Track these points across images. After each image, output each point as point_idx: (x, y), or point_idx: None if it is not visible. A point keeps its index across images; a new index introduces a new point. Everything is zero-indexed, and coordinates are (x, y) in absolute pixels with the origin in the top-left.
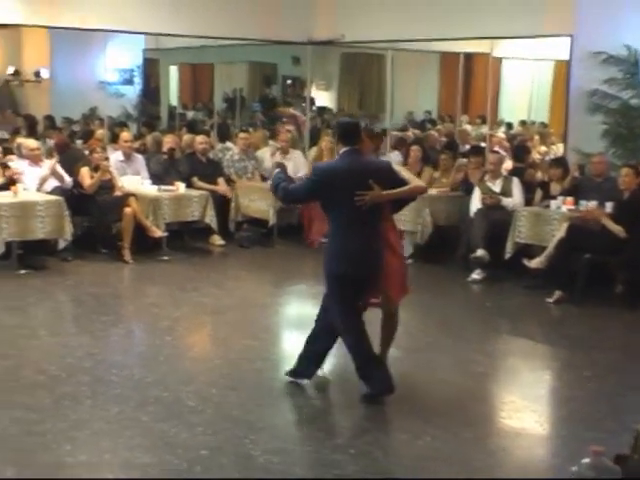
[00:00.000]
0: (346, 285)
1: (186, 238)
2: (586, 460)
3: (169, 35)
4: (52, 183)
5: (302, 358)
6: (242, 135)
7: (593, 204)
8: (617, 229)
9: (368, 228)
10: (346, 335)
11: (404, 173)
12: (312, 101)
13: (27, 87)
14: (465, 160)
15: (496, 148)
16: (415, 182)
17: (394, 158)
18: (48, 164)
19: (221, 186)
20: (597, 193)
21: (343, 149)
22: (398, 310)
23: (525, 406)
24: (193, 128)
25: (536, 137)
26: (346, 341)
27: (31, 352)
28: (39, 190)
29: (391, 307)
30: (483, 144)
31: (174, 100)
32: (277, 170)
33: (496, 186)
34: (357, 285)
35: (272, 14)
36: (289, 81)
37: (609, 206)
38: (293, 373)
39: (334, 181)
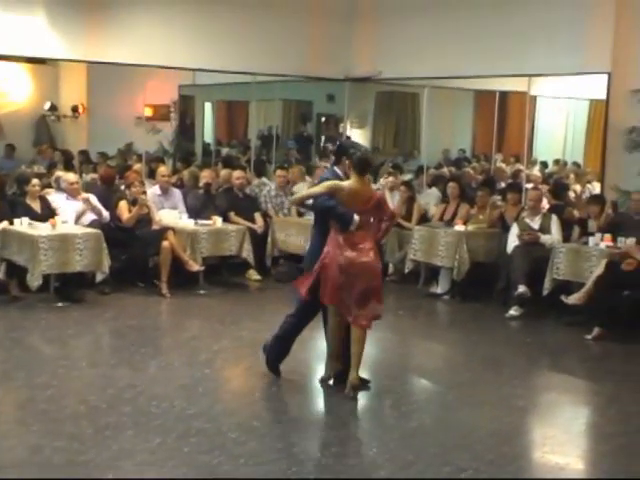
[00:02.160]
0: None
1: (224, 272)
2: None
3: (206, 71)
4: (90, 217)
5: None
6: (280, 172)
7: (631, 241)
8: None
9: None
10: None
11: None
12: (348, 138)
13: (64, 122)
14: (499, 197)
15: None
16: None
17: (433, 194)
18: (83, 198)
19: (258, 221)
20: (636, 230)
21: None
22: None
23: (567, 440)
24: (229, 164)
25: (571, 176)
26: None
27: (72, 383)
28: (77, 224)
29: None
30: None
31: (208, 136)
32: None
33: (535, 223)
34: None
35: (309, 51)
36: (324, 118)
37: None
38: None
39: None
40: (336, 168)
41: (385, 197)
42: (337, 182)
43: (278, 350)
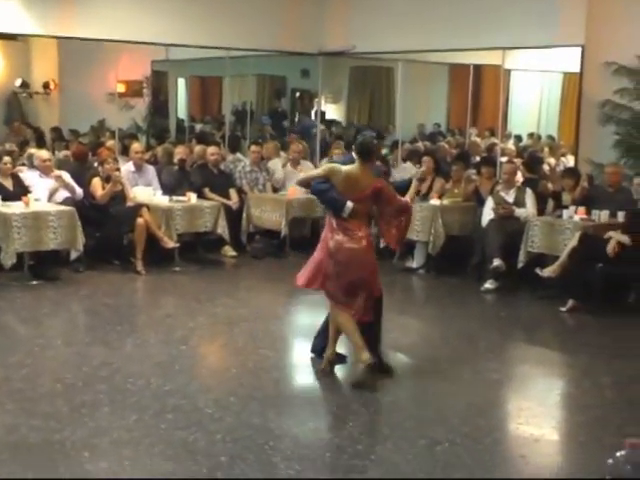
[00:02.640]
0: None
1: (199, 249)
2: (622, 453)
3: (179, 46)
4: (63, 194)
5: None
6: (254, 147)
7: (605, 214)
8: (623, 238)
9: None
10: None
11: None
12: (322, 114)
13: (36, 99)
14: (474, 172)
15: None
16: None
17: (408, 169)
18: (56, 176)
19: (232, 197)
20: (610, 203)
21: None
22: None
23: (542, 412)
24: (203, 140)
25: (545, 149)
26: None
27: (47, 361)
28: (49, 201)
29: None
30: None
31: (182, 112)
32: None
33: (509, 196)
34: None
35: (283, 25)
36: (298, 94)
37: (621, 215)
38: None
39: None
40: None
41: (391, 189)
42: (335, 165)
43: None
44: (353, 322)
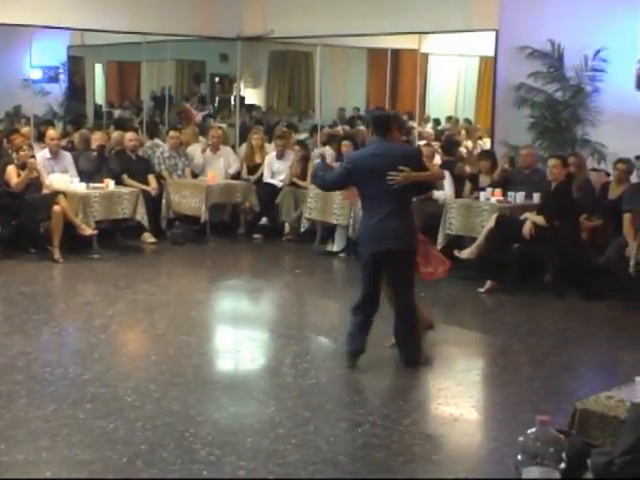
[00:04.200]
0: (368, 262)
1: (117, 236)
2: (533, 430)
3: (95, 31)
4: None
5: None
6: (172, 133)
7: (521, 195)
8: (538, 219)
9: (392, 207)
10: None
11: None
12: (241, 99)
13: None
14: None
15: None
16: (436, 169)
17: (327, 153)
18: None
19: (151, 183)
20: (525, 184)
21: (374, 138)
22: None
23: (461, 392)
24: (121, 126)
25: (462, 132)
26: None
27: None
28: None
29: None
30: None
31: (100, 98)
32: (317, 160)
33: None
34: (380, 261)
35: (201, 10)
36: (217, 79)
37: (536, 197)
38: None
39: (361, 166)
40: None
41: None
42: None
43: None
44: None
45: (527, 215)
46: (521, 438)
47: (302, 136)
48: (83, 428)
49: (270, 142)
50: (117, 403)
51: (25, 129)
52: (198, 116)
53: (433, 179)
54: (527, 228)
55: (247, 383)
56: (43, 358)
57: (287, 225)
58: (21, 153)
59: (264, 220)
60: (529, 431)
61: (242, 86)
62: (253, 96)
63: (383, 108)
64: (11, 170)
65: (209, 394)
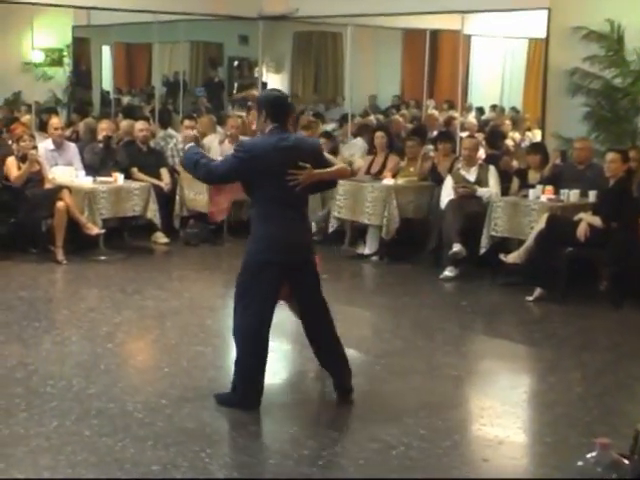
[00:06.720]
0: (272, 274)
1: (126, 236)
2: (592, 454)
3: (102, 9)
4: None
5: None
6: (187, 122)
7: (574, 193)
8: (594, 220)
9: (296, 210)
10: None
11: (326, 155)
12: (264, 84)
13: None
14: (432, 147)
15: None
16: (340, 164)
17: (359, 145)
18: None
19: (164, 178)
20: (579, 181)
21: (271, 126)
22: None
23: (506, 411)
24: (130, 114)
25: (509, 122)
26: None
27: None
28: None
29: None
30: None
31: (107, 84)
32: (191, 144)
33: (471, 175)
34: (286, 274)
35: None
36: (236, 63)
37: (592, 195)
38: None
39: (262, 159)
40: None
41: None
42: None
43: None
44: None
45: (581, 215)
46: (580, 462)
47: (329, 126)
48: (88, 446)
49: (295, 133)
50: (125, 419)
51: (26, 118)
52: None
53: (338, 176)
54: (581, 230)
55: (267, 399)
56: (44, 370)
57: (313, 225)
58: (21, 144)
59: None
60: (588, 455)
61: (263, 71)
62: (276, 82)
63: (277, 89)
64: (10, 162)
65: (226, 411)
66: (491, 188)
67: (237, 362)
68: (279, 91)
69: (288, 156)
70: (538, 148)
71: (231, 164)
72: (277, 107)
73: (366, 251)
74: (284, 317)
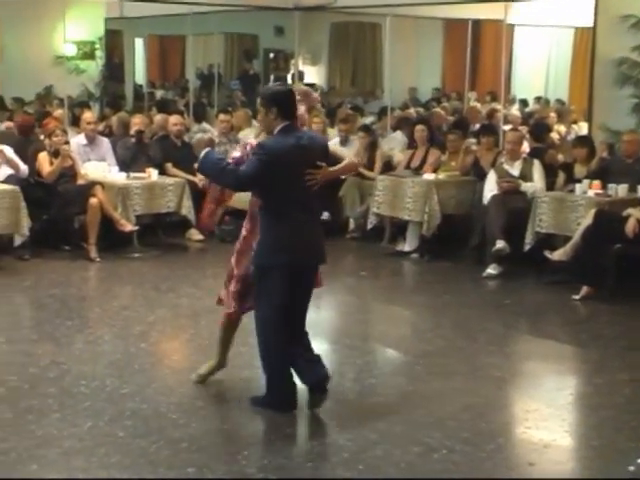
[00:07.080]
0: (287, 278)
1: (160, 233)
2: None
3: (135, 1)
4: (5, 171)
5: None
6: (222, 116)
7: (623, 188)
8: None
9: (310, 212)
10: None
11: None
12: (300, 77)
13: None
14: (474, 141)
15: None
16: (348, 159)
17: (398, 139)
18: None
19: (198, 174)
20: (628, 175)
21: (282, 124)
22: None
23: (551, 414)
24: (164, 108)
25: (552, 114)
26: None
27: None
28: None
29: None
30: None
31: (140, 77)
32: (207, 150)
33: (514, 169)
34: (300, 277)
35: None
36: (271, 55)
37: None
38: None
39: (285, 160)
40: None
41: None
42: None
43: None
44: None
45: (630, 211)
46: (631, 467)
47: (368, 120)
48: (121, 448)
49: (332, 127)
50: (159, 421)
51: (58, 112)
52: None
53: (349, 171)
54: (630, 226)
55: (305, 400)
56: (77, 369)
57: (351, 221)
58: (54, 139)
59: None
60: (639, 460)
61: (300, 63)
62: (312, 74)
63: (281, 83)
64: (43, 158)
65: (262, 412)
66: (536, 183)
67: (263, 359)
68: (284, 85)
69: (306, 155)
70: (584, 141)
71: (258, 167)
72: (289, 104)
73: (406, 248)
74: (320, 318)
